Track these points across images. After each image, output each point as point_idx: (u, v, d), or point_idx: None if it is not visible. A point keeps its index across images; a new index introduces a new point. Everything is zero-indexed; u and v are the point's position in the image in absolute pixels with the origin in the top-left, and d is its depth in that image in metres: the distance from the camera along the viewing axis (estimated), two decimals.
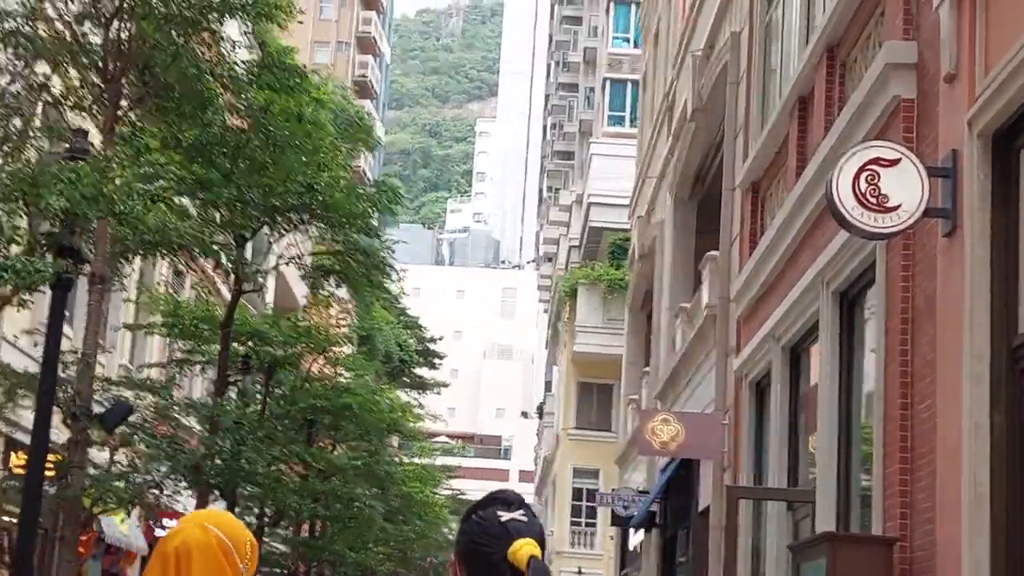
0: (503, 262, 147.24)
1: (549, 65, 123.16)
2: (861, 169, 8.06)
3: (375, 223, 17.44)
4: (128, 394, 15.24)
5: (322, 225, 17.36)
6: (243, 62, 14.46)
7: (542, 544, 2.73)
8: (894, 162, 8.06)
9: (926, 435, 8.39)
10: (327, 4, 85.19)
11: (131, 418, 14.24)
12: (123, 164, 10.43)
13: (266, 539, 23.22)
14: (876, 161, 8.07)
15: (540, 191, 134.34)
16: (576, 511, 46.13)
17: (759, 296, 14.09)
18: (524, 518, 2.74)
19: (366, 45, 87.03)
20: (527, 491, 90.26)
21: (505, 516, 2.74)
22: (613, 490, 24.59)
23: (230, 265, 16.00)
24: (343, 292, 30.18)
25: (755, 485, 14.14)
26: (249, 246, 17.15)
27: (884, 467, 9.11)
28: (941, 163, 8.18)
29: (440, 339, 73.33)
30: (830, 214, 10.21)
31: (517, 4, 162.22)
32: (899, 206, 7.99)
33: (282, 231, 17.28)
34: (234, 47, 13.51)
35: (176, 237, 11.45)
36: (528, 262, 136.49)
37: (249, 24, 14.69)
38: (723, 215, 16.76)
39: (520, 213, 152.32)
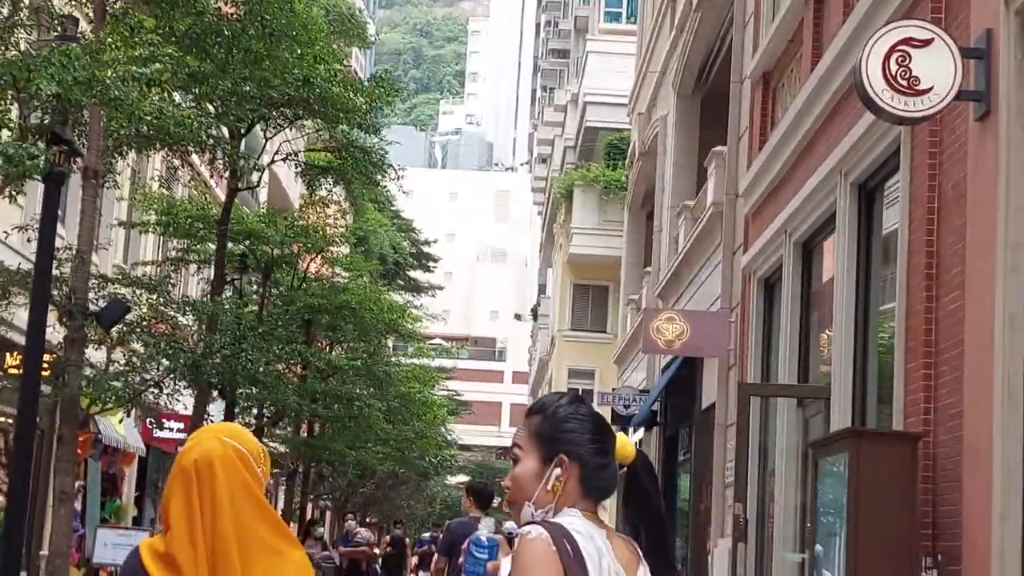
0: (496, 164, 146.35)
1: None
2: (891, 50, 7.69)
3: (373, 119, 16.99)
4: (124, 292, 14.93)
5: (319, 121, 16.93)
6: None
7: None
8: (926, 42, 7.68)
9: (952, 329, 8.11)
10: None
11: (128, 316, 13.95)
12: (116, 46, 9.99)
13: (265, 439, 23.05)
14: (907, 41, 7.69)
15: (534, 91, 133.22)
16: None
17: (769, 191, 13.75)
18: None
19: None
20: (521, 392, 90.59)
21: (605, 421, 2.83)
22: (613, 389, 24.43)
23: (225, 160, 15.56)
24: (338, 193, 29.83)
25: (746, 381, 13.93)
26: (243, 144, 16.71)
27: (906, 362, 8.84)
28: (974, 43, 7.81)
29: (434, 242, 73.14)
30: (857, 98, 9.86)
31: None
32: (931, 88, 7.63)
33: (278, 126, 16.85)
34: None
35: (174, 126, 11.02)
36: (521, 164, 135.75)
37: None
38: (731, 109, 16.38)
39: (513, 114, 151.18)
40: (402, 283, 60.49)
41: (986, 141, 7.63)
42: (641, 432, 24.21)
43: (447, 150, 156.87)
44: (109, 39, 10.23)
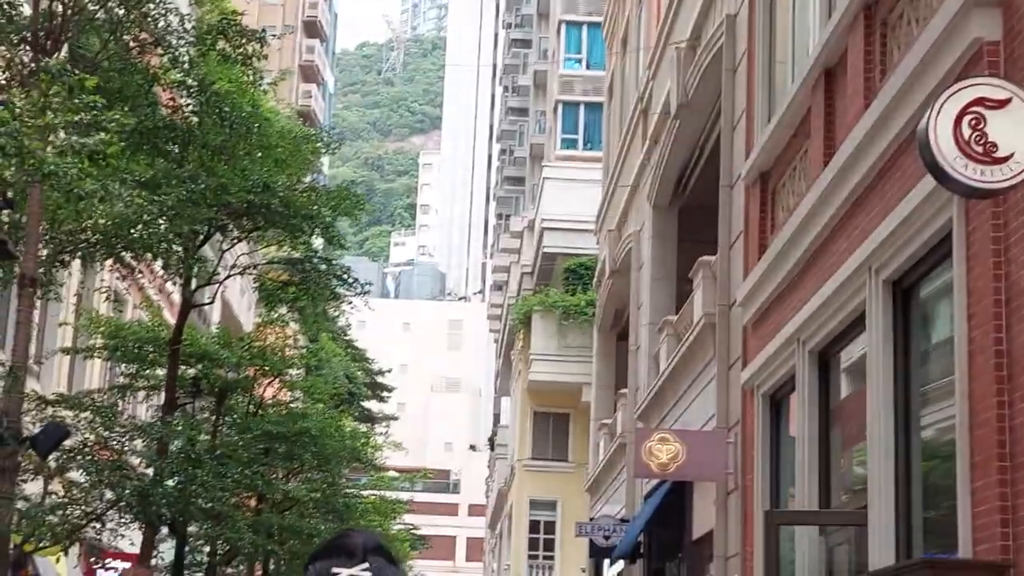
0: (449, 294, 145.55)
1: (494, 95, 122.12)
2: (963, 112, 6.61)
3: (336, 232, 15.84)
4: (65, 415, 13.53)
5: (279, 231, 15.73)
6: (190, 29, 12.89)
7: None
8: (1002, 103, 6.62)
9: None
10: (270, 30, 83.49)
11: (67, 443, 12.52)
12: (50, 107, 8.74)
13: None
14: (980, 102, 6.62)
15: (486, 222, 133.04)
16: (533, 543, 44.74)
17: (774, 298, 12.64)
18: (365, 572, 2.43)
19: (309, 73, 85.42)
20: (478, 525, 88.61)
21: (342, 573, 2.42)
22: (591, 519, 23.05)
23: (179, 267, 14.27)
24: (292, 321, 28.53)
25: (774, 509, 12.65)
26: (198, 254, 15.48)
27: (972, 480, 7.64)
28: None
29: (388, 371, 72.05)
30: (887, 185, 8.81)
31: (460, 35, 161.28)
32: (1011, 155, 6.54)
33: (235, 238, 15.63)
34: (181, 21, 11.90)
35: (123, 223, 9.77)
36: (475, 294, 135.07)
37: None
38: (720, 215, 15.35)
39: (466, 245, 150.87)
40: (356, 414, 59.23)
41: None
42: (620, 565, 22.79)
43: (400, 280, 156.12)
44: (43, 99, 9.00)
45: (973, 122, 6.59)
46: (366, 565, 2.43)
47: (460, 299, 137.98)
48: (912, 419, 9.22)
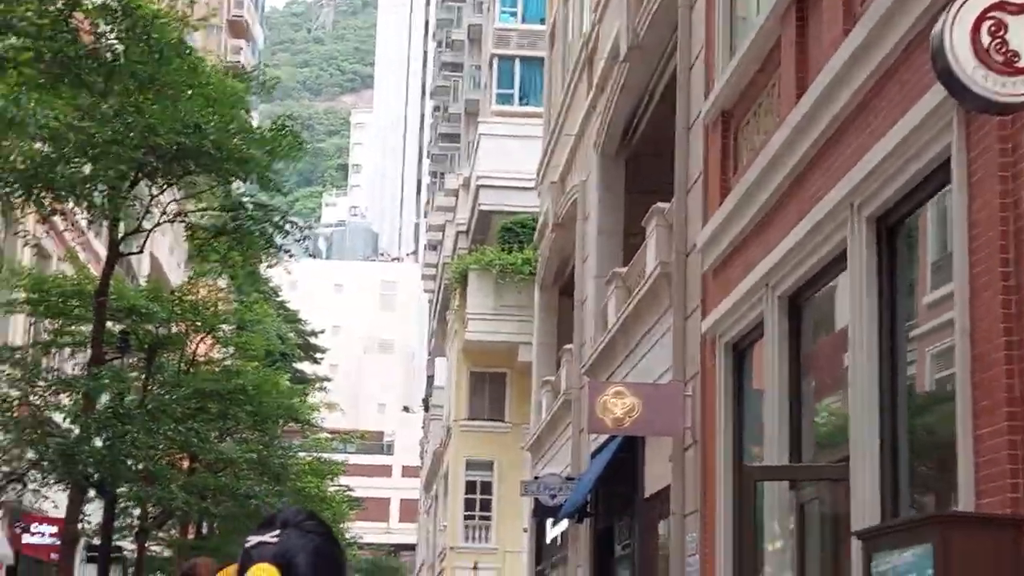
0: (382, 255, 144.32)
1: (426, 52, 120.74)
2: (981, 17, 5.95)
3: (271, 176, 14.96)
4: None
5: (212, 176, 14.83)
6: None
7: (288, 567, 2.48)
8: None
9: None
10: None
11: None
12: None
13: (149, 543, 20.61)
14: (1001, 6, 5.96)
15: (419, 182, 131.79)
16: (470, 504, 44.33)
17: (738, 243, 11.99)
18: (273, 539, 2.54)
19: (238, 29, 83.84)
20: (412, 486, 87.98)
21: (252, 540, 2.56)
22: (536, 478, 22.40)
23: (105, 209, 13.33)
24: (221, 282, 27.58)
25: (737, 463, 12.05)
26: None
27: (975, 427, 7.03)
28: None
29: (321, 332, 71.25)
30: (871, 115, 8.18)
31: None
32: None
33: (164, 184, 14.72)
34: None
35: (45, 166, 8.90)
36: (408, 254, 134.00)
37: None
38: (677, 159, 14.66)
39: (398, 205, 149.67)
40: (289, 375, 58.41)
41: None
42: (562, 526, 22.20)
43: (332, 241, 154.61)
44: None
45: (992, 28, 5.93)
46: (276, 533, 2.54)
47: (393, 260, 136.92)
48: (899, 365, 8.61)
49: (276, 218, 15.85)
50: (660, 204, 15.65)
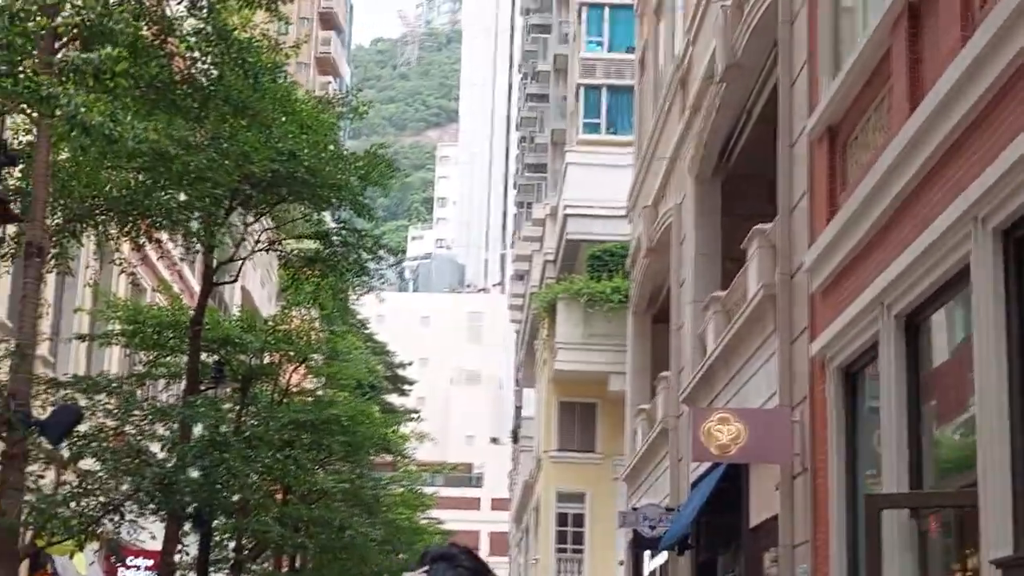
0: (468, 286, 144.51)
1: (511, 84, 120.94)
2: None
3: (365, 202, 14.76)
4: (80, 400, 12.49)
5: (305, 204, 14.66)
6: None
7: None
8: None
9: None
10: (284, 25, 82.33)
11: (82, 427, 11.50)
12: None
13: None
14: None
15: (504, 213, 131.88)
16: (561, 537, 43.85)
17: (849, 261, 11.57)
18: (423, 573, 2.74)
19: (326, 65, 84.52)
20: (501, 519, 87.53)
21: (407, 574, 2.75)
22: (634, 508, 21.98)
23: (201, 237, 13.18)
24: (312, 312, 27.49)
25: (850, 491, 11.60)
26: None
27: None
28: None
29: (410, 364, 71.32)
30: (996, 122, 7.75)
31: (475, 26, 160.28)
32: None
33: (259, 211, 14.58)
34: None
35: (140, 192, 8.76)
36: (494, 285, 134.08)
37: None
38: (780, 178, 14.28)
39: (484, 237, 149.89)
40: (378, 407, 58.54)
41: None
42: (663, 558, 21.75)
43: (418, 274, 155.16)
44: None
45: None
46: (426, 568, 2.74)
47: (479, 291, 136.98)
48: None
49: (369, 244, 15.67)
50: (761, 225, 15.25)
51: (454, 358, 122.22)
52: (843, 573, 11.52)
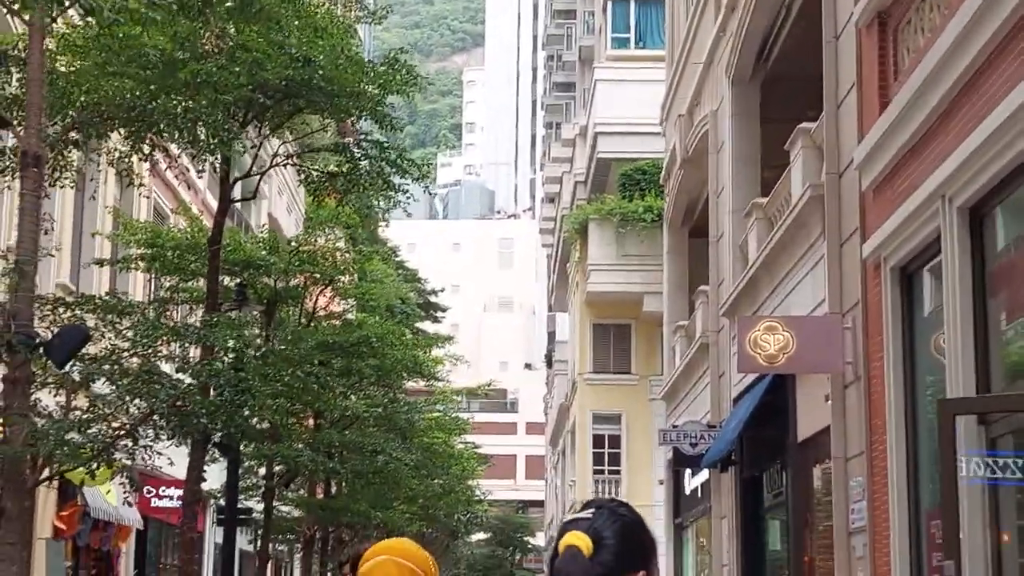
0: (498, 212, 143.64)
1: (536, 3, 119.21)
2: None
3: (385, 110, 13.98)
4: (88, 321, 11.85)
5: (324, 115, 13.90)
6: None
7: (597, 540, 2.79)
8: None
9: None
10: None
11: (91, 348, 10.90)
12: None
13: (276, 503, 19.96)
14: None
15: (533, 137, 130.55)
16: (598, 458, 43.48)
17: (904, 153, 10.79)
18: (588, 515, 2.85)
19: None
20: (537, 443, 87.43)
21: (569, 517, 2.87)
22: (674, 426, 21.35)
23: (213, 143, 12.40)
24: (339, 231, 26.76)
25: (910, 398, 10.91)
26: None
27: None
28: None
29: (442, 291, 70.90)
30: None
31: None
32: None
33: (275, 123, 13.84)
34: None
35: (143, 99, 8.07)
36: (524, 211, 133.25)
37: None
38: (825, 73, 13.46)
39: (513, 162, 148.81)
40: (410, 332, 58.18)
41: None
42: (704, 476, 21.15)
43: (447, 201, 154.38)
44: None
45: None
46: (591, 512, 2.85)
47: (510, 216, 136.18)
48: None
49: (392, 156, 14.89)
50: (805, 124, 14.46)
51: (486, 285, 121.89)
52: (903, 484, 10.87)
